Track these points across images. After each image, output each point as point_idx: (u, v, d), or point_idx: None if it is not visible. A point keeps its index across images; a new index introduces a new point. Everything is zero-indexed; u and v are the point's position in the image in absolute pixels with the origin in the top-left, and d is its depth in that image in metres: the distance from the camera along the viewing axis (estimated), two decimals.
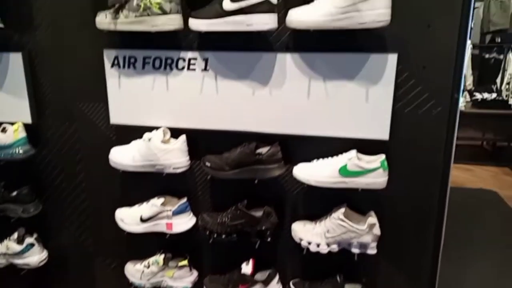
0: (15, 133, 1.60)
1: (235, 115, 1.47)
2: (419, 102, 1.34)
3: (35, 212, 1.72)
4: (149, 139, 1.46)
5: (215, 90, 1.47)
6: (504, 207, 3.38)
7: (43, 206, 1.75)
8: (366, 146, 1.37)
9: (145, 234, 1.55)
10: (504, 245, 2.79)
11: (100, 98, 1.59)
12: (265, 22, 1.26)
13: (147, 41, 1.45)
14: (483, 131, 4.50)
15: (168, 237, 1.56)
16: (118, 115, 1.58)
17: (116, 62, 1.52)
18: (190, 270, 1.61)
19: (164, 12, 1.33)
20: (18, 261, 1.74)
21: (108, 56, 1.52)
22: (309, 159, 1.42)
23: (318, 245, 1.40)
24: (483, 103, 4.36)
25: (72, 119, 1.67)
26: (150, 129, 1.51)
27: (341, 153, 1.38)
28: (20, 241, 1.73)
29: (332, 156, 1.39)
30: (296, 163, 1.41)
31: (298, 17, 1.25)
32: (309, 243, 1.41)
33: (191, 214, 1.57)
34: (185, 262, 1.60)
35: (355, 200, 1.43)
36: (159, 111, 1.53)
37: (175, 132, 1.52)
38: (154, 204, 1.53)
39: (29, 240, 1.73)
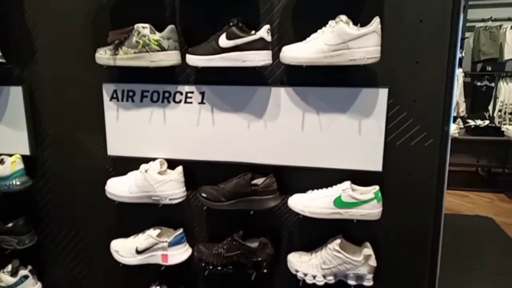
0: (13, 165, 1.61)
1: (231, 147, 1.50)
2: (411, 134, 1.37)
3: (30, 243, 1.71)
4: (146, 170, 1.48)
5: (212, 123, 1.50)
6: (500, 234, 3.37)
7: (38, 237, 1.74)
8: (360, 177, 1.39)
9: (140, 265, 1.54)
10: (501, 273, 2.77)
11: (98, 130, 1.62)
12: (260, 58, 1.31)
13: (145, 75, 1.49)
14: (478, 157, 4.55)
15: (164, 269, 1.55)
16: (116, 147, 1.60)
17: (114, 95, 1.56)
18: None
19: (163, 49, 1.37)
20: None
21: (107, 89, 1.56)
22: (304, 190, 1.43)
23: (314, 277, 1.40)
24: (477, 129, 4.42)
25: (69, 150, 1.69)
26: (147, 160, 1.53)
27: (336, 184, 1.39)
28: (14, 273, 1.71)
29: (326, 187, 1.41)
30: (291, 194, 1.43)
31: (291, 53, 1.30)
32: (305, 275, 1.41)
33: (187, 245, 1.57)
34: None
35: (351, 231, 1.44)
36: (156, 143, 1.55)
37: (172, 163, 1.54)
38: (150, 235, 1.53)
39: (23, 272, 1.71)
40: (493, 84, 5.11)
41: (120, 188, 1.51)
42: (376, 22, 1.21)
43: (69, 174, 1.71)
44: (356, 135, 1.39)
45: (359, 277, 1.38)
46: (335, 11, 1.26)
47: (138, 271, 1.56)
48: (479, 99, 5.19)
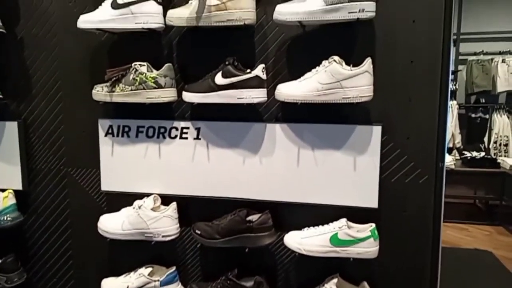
0: (5, 200, 1.60)
1: (226, 183, 1.49)
2: (405, 171, 1.37)
3: (19, 281, 1.66)
4: (139, 207, 1.46)
5: (207, 158, 1.50)
6: (500, 268, 3.31)
7: (27, 275, 1.70)
8: (356, 214, 1.38)
9: None
10: None
11: (93, 165, 1.61)
12: (255, 96, 1.32)
13: (141, 111, 1.50)
14: (475, 189, 4.53)
15: None
16: (110, 182, 1.59)
17: (110, 131, 1.56)
18: None
19: (159, 86, 1.39)
20: None
21: (102, 125, 1.57)
22: (299, 227, 1.41)
23: None
24: (473, 161, 4.43)
25: (63, 186, 1.68)
26: (141, 196, 1.52)
27: (332, 221, 1.38)
28: None
29: (322, 223, 1.39)
30: (287, 230, 1.41)
31: (286, 91, 1.32)
32: None
33: (180, 284, 1.53)
34: None
35: (348, 269, 1.41)
36: (150, 178, 1.54)
37: (166, 199, 1.52)
38: (141, 274, 1.49)
39: None
40: (487, 116, 5.17)
41: (112, 224, 1.49)
42: (368, 63, 1.23)
43: (61, 209, 1.69)
44: (351, 172, 1.38)
45: None
46: (328, 51, 1.29)
47: None
48: (474, 130, 5.23)
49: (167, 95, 1.41)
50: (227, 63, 1.34)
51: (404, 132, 1.35)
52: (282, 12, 1.25)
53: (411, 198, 1.38)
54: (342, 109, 1.36)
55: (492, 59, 5.05)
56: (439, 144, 1.34)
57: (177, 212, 1.49)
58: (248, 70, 1.33)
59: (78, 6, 1.55)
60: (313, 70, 1.30)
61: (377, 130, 1.35)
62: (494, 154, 4.93)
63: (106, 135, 1.57)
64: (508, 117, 4.99)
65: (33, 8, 1.61)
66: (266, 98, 1.35)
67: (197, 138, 1.50)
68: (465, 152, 4.64)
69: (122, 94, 1.42)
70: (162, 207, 1.51)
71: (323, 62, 1.28)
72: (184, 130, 1.51)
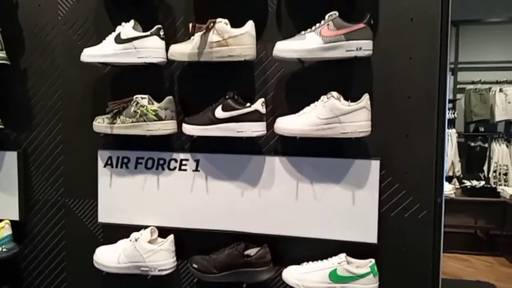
0: (1, 231, 1.58)
1: (225, 215, 1.48)
2: (404, 205, 1.37)
3: None
4: (136, 239, 1.45)
5: (205, 190, 1.49)
6: None
7: None
8: (355, 249, 1.36)
9: None
10: None
11: (90, 196, 1.61)
12: (255, 129, 1.34)
13: (140, 142, 1.51)
14: (475, 218, 4.49)
15: None
16: (107, 213, 1.58)
17: (109, 162, 1.56)
18: None
19: (160, 119, 1.41)
20: None
21: (102, 156, 1.57)
22: (298, 261, 1.40)
23: None
24: (473, 190, 4.40)
25: (59, 216, 1.66)
26: (138, 228, 1.51)
27: (331, 255, 1.36)
28: None
29: (321, 258, 1.37)
30: (285, 265, 1.39)
31: (285, 125, 1.33)
32: None
33: None
34: None
35: None
36: (148, 210, 1.54)
37: (164, 232, 1.51)
38: None
39: None
40: (486, 145, 5.18)
41: (108, 257, 1.47)
42: (365, 99, 1.25)
43: (57, 241, 1.67)
44: (350, 206, 1.38)
45: None
46: (327, 86, 1.31)
47: None
48: (474, 159, 5.23)
49: (167, 127, 1.43)
50: (227, 97, 1.36)
51: (402, 166, 1.36)
52: (281, 50, 1.27)
53: (411, 233, 1.36)
54: (341, 143, 1.36)
55: (489, 88, 5.11)
56: (437, 179, 1.34)
57: (174, 244, 1.47)
58: (248, 104, 1.35)
59: (82, 39, 1.58)
60: (312, 105, 1.32)
61: (375, 164, 1.35)
62: (494, 183, 4.91)
63: (105, 166, 1.57)
64: (507, 146, 5.01)
65: (38, 41, 1.64)
66: (265, 132, 1.36)
67: (196, 170, 1.50)
68: (465, 181, 4.63)
69: (123, 126, 1.43)
70: (159, 239, 1.50)
71: (322, 97, 1.30)
72: (183, 162, 1.51)
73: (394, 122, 1.35)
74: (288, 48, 1.27)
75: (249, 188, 1.46)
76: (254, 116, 1.34)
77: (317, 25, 1.27)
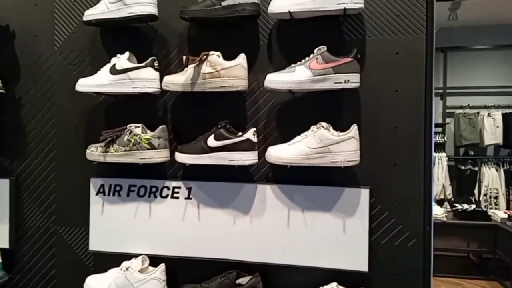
0: None
1: (216, 243, 1.48)
2: (394, 233, 1.38)
3: None
4: (127, 268, 1.44)
5: (197, 218, 1.50)
6: None
7: None
8: (347, 278, 1.37)
9: None
10: None
11: (81, 224, 1.61)
12: (246, 158, 1.36)
13: (133, 170, 1.52)
14: (468, 241, 4.50)
15: None
16: (98, 242, 1.57)
17: (101, 189, 1.57)
18: None
19: (153, 147, 1.43)
20: None
21: (94, 184, 1.58)
22: None
23: None
24: (464, 213, 4.43)
25: (50, 245, 1.65)
26: (129, 256, 1.50)
27: (322, 284, 1.37)
28: None
29: (313, 287, 1.37)
30: None
31: (276, 154, 1.36)
32: None
33: None
34: None
35: None
36: (140, 238, 1.53)
37: (155, 260, 1.50)
38: None
39: None
40: (476, 168, 5.23)
41: (98, 287, 1.45)
42: (354, 129, 1.29)
43: (47, 269, 1.65)
44: (341, 234, 1.39)
45: None
46: (316, 116, 1.35)
47: None
48: (464, 182, 5.27)
49: (160, 155, 1.44)
50: (219, 126, 1.39)
51: (391, 195, 1.38)
52: (272, 81, 1.31)
53: (401, 261, 1.38)
54: (331, 172, 1.39)
55: (478, 113, 5.21)
56: (426, 208, 1.37)
57: (166, 273, 1.47)
58: (240, 133, 1.38)
59: (77, 69, 1.62)
60: (302, 134, 1.35)
61: (365, 192, 1.37)
62: (485, 206, 4.94)
63: (97, 194, 1.57)
64: (497, 170, 5.07)
65: (33, 70, 1.67)
66: (257, 160, 1.39)
67: (188, 198, 1.51)
68: (456, 204, 4.66)
69: (116, 155, 1.45)
70: (150, 268, 1.49)
71: (312, 127, 1.33)
72: (176, 190, 1.52)
73: (382, 151, 1.38)
74: (279, 79, 1.31)
75: (241, 216, 1.47)
76: (246, 145, 1.36)
77: (306, 58, 1.31)
